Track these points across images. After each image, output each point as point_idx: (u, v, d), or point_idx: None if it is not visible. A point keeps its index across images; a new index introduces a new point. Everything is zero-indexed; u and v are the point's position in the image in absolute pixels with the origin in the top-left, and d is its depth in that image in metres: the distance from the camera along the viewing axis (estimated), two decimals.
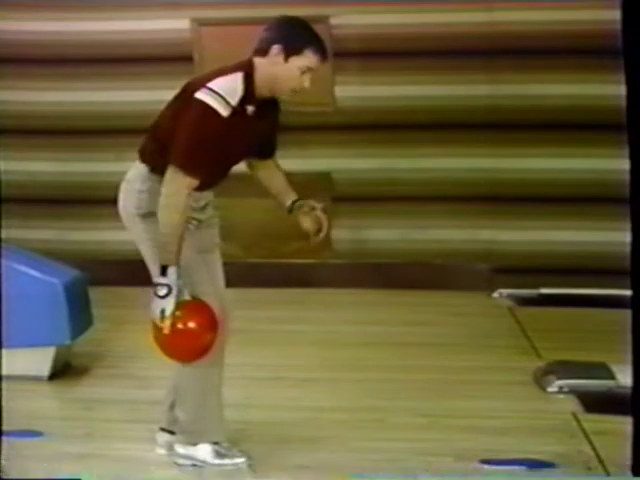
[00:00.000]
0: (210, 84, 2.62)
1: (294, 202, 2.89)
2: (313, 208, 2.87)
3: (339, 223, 5.30)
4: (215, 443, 2.90)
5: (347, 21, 5.43)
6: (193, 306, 2.66)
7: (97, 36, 5.61)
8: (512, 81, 5.36)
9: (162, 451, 2.98)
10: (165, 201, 2.61)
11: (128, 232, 2.86)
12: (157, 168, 2.73)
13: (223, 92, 2.60)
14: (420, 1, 5.37)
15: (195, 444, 2.90)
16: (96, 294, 4.07)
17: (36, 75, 5.64)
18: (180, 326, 2.61)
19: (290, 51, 2.63)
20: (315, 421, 3.31)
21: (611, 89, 5.28)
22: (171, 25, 5.58)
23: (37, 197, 5.72)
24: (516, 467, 2.94)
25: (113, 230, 5.79)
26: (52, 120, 5.66)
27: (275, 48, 2.64)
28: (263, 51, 2.67)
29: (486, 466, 2.94)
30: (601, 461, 2.97)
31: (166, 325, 2.60)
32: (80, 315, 3.85)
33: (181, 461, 2.93)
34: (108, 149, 5.64)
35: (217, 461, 2.89)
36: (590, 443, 3.12)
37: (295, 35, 2.66)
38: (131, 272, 5.61)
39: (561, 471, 2.91)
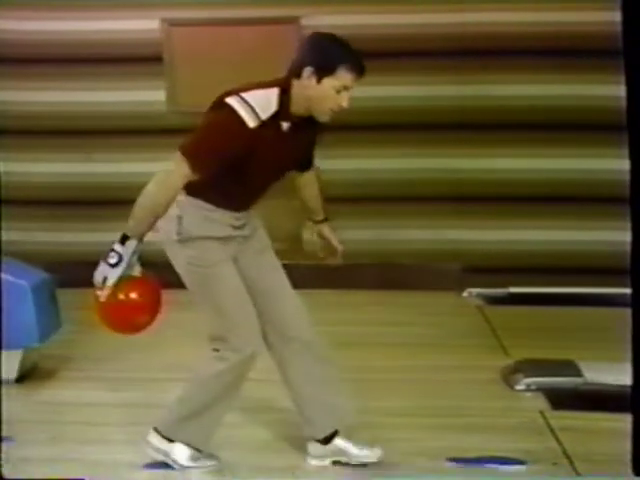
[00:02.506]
0: (244, 93, 2.59)
1: (315, 221, 3.05)
2: (324, 236, 3.03)
3: (310, 224, 5.30)
4: (195, 449, 2.87)
5: (318, 22, 5.43)
6: (136, 282, 2.60)
7: (67, 36, 5.57)
8: (480, 82, 5.41)
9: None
10: (161, 176, 2.56)
11: (170, 260, 2.80)
12: (193, 190, 2.67)
13: (254, 103, 2.56)
14: (392, 2, 5.40)
15: (173, 441, 2.86)
16: (64, 296, 4.03)
17: (9, 74, 5.58)
18: (113, 298, 2.54)
19: (322, 72, 2.55)
20: (286, 422, 3.31)
21: (578, 89, 5.38)
22: (141, 25, 5.55)
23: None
24: (485, 465, 2.96)
25: (81, 231, 5.80)
26: (25, 120, 5.60)
27: (307, 70, 2.57)
28: (296, 74, 2.61)
29: (455, 464, 2.96)
30: (568, 457, 3.01)
31: (103, 294, 2.54)
32: (48, 317, 3.82)
33: (152, 453, 2.88)
34: (75, 149, 5.61)
35: (189, 464, 2.86)
36: (557, 439, 3.16)
37: (326, 54, 2.57)
38: None
39: (529, 468, 2.93)
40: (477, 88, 5.42)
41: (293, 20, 5.48)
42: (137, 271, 2.59)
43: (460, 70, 5.41)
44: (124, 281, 2.55)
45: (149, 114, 5.57)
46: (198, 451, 2.88)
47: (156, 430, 2.89)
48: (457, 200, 5.52)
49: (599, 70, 5.12)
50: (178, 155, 2.57)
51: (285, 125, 2.64)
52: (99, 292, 2.55)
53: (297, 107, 2.63)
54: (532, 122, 5.41)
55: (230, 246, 2.79)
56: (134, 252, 2.55)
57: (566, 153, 5.43)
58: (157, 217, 2.58)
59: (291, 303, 2.89)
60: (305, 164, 2.96)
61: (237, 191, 2.71)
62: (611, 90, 4.53)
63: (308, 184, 3.02)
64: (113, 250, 2.54)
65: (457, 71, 5.41)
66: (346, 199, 5.52)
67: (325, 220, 3.07)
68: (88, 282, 5.49)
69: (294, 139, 2.68)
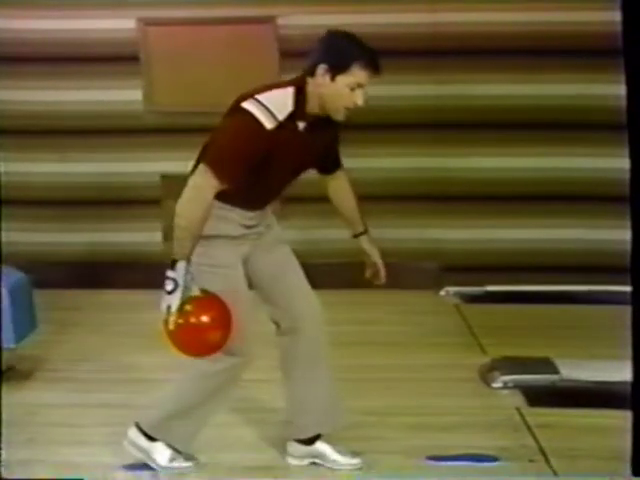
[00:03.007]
0: (259, 96, 2.57)
1: (357, 235, 2.98)
2: (373, 263, 2.96)
3: (290, 224, 5.30)
4: (176, 450, 2.85)
5: (295, 22, 5.43)
6: (202, 302, 2.61)
7: (41, 35, 5.52)
8: (458, 81, 5.43)
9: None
10: (190, 193, 2.56)
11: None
12: None
13: (271, 105, 2.54)
14: (371, 2, 5.41)
15: (155, 440, 2.83)
16: (41, 296, 4.00)
17: None
18: (184, 322, 2.56)
19: (336, 70, 2.53)
20: (262, 422, 3.30)
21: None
22: (117, 25, 5.52)
23: None
24: (463, 462, 2.98)
25: (57, 232, 5.76)
26: None
27: (321, 68, 2.56)
28: (311, 72, 2.59)
29: (434, 462, 2.97)
30: (544, 453, 3.03)
31: (171, 321, 2.55)
32: (24, 318, 3.79)
33: (132, 450, 2.87)
34: (51, 149, 5.57)
35: (168, 465, 2.85)
36: (533, 436, 3.18)
37: (340, 52, 2.55)
38: (76, 274, 5.59)
39: (506, 465, 2.95)
40: (455, 87, 5.43)
41: (270, 20, 5.48)
42: (195, 291, 2.59)
43: (440, 69, 5.42)
44: (187, 304, 2.56)
45: (126, 113, 5.54)
46: (177, 452, 2.86)
47: (138, 427, 2.86)
48: (434, 199, 5.53)
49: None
50: (203, 168, 2.56)
51: (301, 125, 2.62)
52: (167, 321, 2.56)
53: (312, 106, 2.61)
54: (512, 121, 5.42)
55: (243, 246, 2.77)
56: (187, 273, 2.55)
57: (550, 152, 5.47)
58: (198, 234, 2.57)
59: (303, 296, 2.87)
60: (329, 165, 2.92)
61: (253, 191, 2.69)
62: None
63: (339, 189, 2.96)
64: (167, 277, 2.55)
65: (437, 70, 5.43)
66: (325, 198, 5.53)
67: (364, 233, 2.99)
68: (64, 283, 5.45)
69: (311, 139, 2.66)
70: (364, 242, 2.99)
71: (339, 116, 2.62)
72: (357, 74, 2.55)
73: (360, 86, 2.57)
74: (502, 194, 5.52)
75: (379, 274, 2.97)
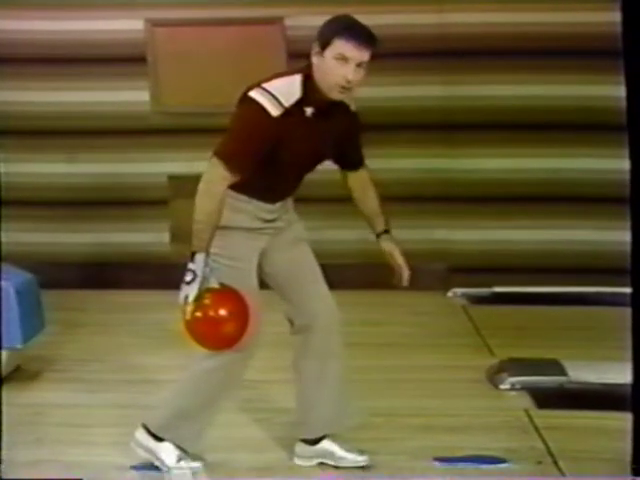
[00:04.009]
0: (265, 84, 2.60)
1: (378, 234, 2.94)
2: (391, 255, 2.92)
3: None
4: (183, 450, 2.85)
5: (302, 22, 5.44)
6: (220, 295, 2.62)
7: (49, 36, 5.54)
8: (466, 82, 5.43)
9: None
10: (203, 187, 2.58)
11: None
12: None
13: (276, 92, 2.57)
14: (378, 3, 5.41)
15: (162, 440, 2.84)
16: (48, 297, 4.01)
17: None
18: (201, 314, 2.57)
19: (323, 44, 2.55)
20: (268, 423, 3.30)
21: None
22: (125, 26, 5.53)
23: None
24: (471, 464, 2.97)
25: (64, 232, 5.77)
26: (5, 120, 5.56)
27: (314, 47, 2.60)
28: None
29: (441, 464, 2.97)
30: (552, 455, 3.02)
31: (187, 311, 2.56)
32: (32, 318, 3.80)
33: (139, 451, 2.87)
34: (59, 150, 5.59)
35: (175, 465, 2.84)
36: (541, 438, 3.17)
37: (328, 28, 2.57)
38: (83, 275, 5.61)
39: (514, 466, 2.94)
40: (464, 88, 5.44)
41: (277, 20, 5.48)
42: (214, 283, 2.61)
43: (448, 70, 5.42)
44: (205, 297, 2.57)
45: (133, 114, 5.55)
46: (185, 452, 2.87)
47: (145, 427, 2.87)
48: (442, 200, 5.53)
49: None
50: (214, 160, 2.58)
51: (309, 110, 2.63)
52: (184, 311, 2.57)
53: (320, 92, 2.61)
54: (519, 122, 5.42)
55: (260, 240, 2.78)
56: (205, 265, 2.57)
57: (556, 153, 5.47)
58: (215, 225, 2.59)
59: (319, 295, 2.86)
60: (350, 161, 2.91)
61: (268, 181, 2.69)
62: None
63: (358, 187, 2.95)
64: (187, 269, 2.57)
65: (445, 71, 5.43)
66: (331, 199, 5.53)
67: (384, 232, 2.94)
68: (71, 283, 5.46)
69: (321, 125, 2.65)
70: (384, 242, 2.95)
71: (334, 94, 2.60)
72: (342, 46, 2.54)
73: (347, 59, 2.54)
74: (510, 195, 5.51)
75: (401, 276, 2.94)
